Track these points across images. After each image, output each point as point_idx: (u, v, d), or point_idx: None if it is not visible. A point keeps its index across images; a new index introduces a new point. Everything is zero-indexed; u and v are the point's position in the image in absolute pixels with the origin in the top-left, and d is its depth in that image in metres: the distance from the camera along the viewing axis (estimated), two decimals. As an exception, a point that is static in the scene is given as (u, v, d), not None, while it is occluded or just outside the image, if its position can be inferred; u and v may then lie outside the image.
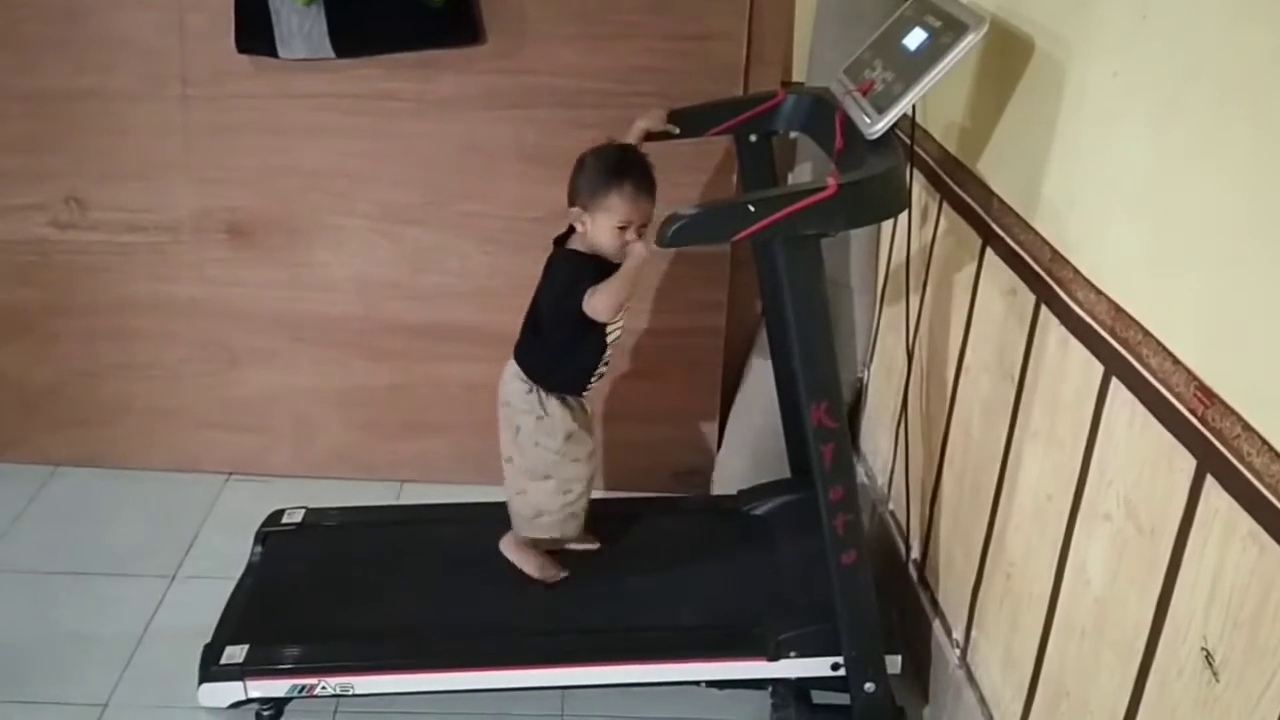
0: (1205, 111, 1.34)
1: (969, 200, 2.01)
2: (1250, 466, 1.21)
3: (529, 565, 2.23)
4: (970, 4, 1.79)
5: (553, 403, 2.11)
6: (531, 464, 2.15)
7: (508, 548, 2.26)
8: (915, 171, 2.18)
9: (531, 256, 2.62)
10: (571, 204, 2.02)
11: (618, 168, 1.97)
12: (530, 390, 2.10)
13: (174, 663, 2.17)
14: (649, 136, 2.09)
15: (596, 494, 2.27)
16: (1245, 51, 1.26)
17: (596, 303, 1.96)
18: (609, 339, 2.08)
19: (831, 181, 1.65)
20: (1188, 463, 1.33)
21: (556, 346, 2.09)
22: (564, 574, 2.24)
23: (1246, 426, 1.22)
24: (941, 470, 2.17)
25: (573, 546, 2.27)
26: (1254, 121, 1.24)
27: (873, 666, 2.02)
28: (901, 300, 2.32)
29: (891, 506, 2.49)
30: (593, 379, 2.12)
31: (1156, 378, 1.40)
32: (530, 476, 2.16)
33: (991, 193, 1.91)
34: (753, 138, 2.15)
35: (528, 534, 2.23)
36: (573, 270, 2.00)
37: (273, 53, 2.45)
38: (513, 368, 2.13)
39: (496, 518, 2.49)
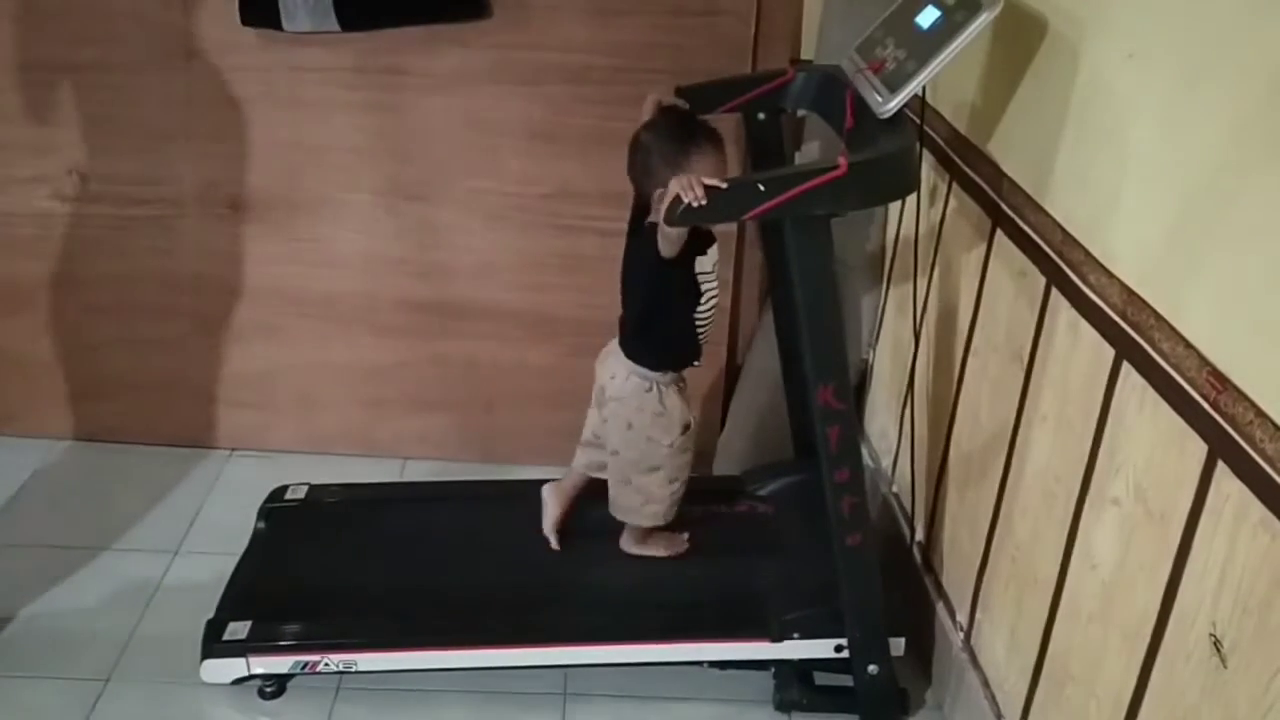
0: (1223, 93, 1.32)
1: (979, 181, 2.00)
2: (1262, 453, 1.21)
3: (657, 550, 2.25)
4: (984, -18, 1.77)
5: (672, 396, 2.08)
6: (640, 457, 2.12)
7: (630, 547, 2.26)
8: (925, 151, 2.17)
9: (538, 233, 2.64)
10: (645, 188, 1.92)
11: (691, 131, 1.91)
12: (650, 388, 2.06)
13: (176, 638, 2.17)
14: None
15: (599, 474, 2.25)
16: (1264, 31, 1.25)
17: (659, 231, 1.87)
18: (702, 283, 2.00)
19: (842, 161, 1.63)
20: (1199, 448, 1.33)
21: (660, 314, 2.03)
22: (686, 536, 2.26)
23: (1259, 413, 1.21)
24: (947, 452, 2.17)
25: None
26: (1273, 102, 1.22)
27: (876, 648, 2.02)
28: (909, 281, 2.31)
29: (896, 488, 2.49)
30: (704, 325, 2.05)
31: (1168, 362, 1.39)
32: (638, 469, 2.14)
33: (1002, 173, 1.90)
34: (761, 116, 2.13)
35: (637, 522, 2.21)
36: (650, 232, 1.92)
37: (277, 26, 2.43)
38: (623, 364, 2.07)
39: (500, 494, 2.51)
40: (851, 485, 1.87)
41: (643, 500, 2.18)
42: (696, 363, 2.11)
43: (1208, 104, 1.35)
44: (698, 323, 2.05)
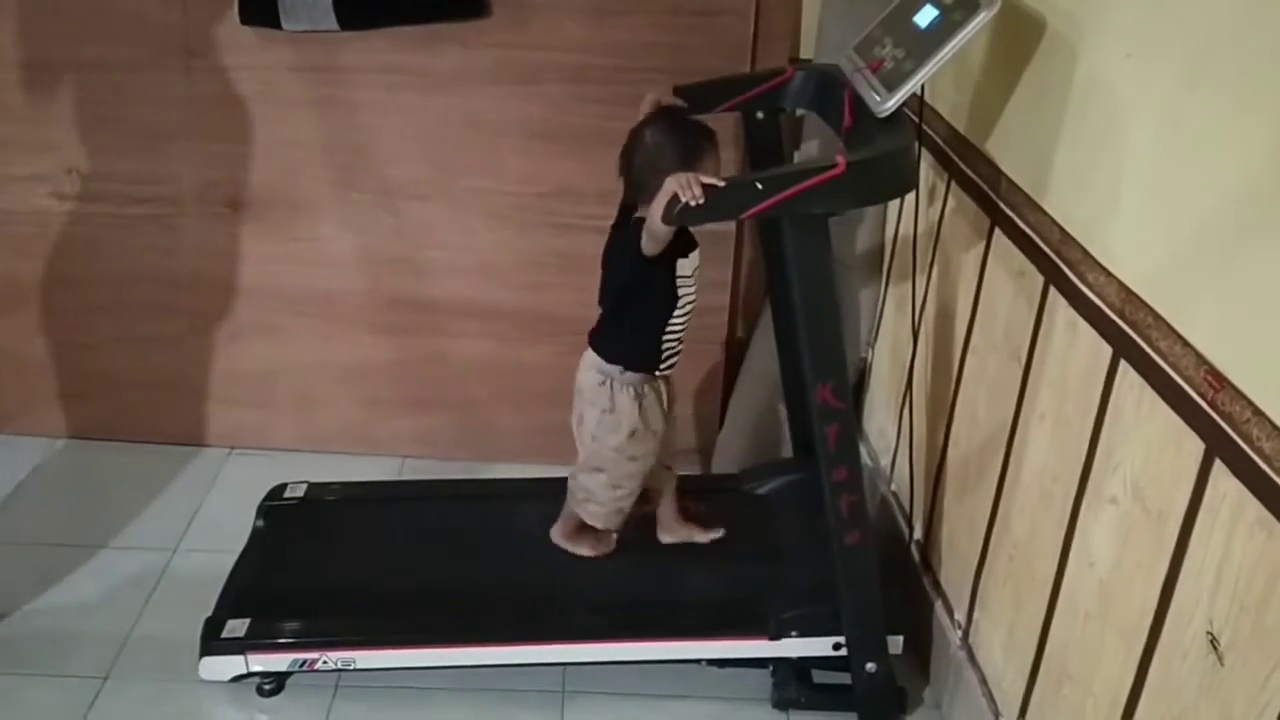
0: (1221, 92, 1.33)
1: (977, 180, 2.00)
2: (1260, 451, 1.21)
3: (583, 549, 2.25)
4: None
5: (624, 397, 2.05)
6: (587, 455, 2.12)
7: (558, 537, 2.26)
8: (923, 150, 2.17)
9: (535, 232, 2.64)
10: (648, 184, 1.83)
11: (702, 130, 1.90)
12: (603, 382, 2.05)
13: (175, 636, 2.17)
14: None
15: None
16: (1263, 31, 1.25)
17: (646, 228, 1.84)
18: (680, 287, 1.98)
19: (840, 160, 1.63)
20: (1196, 446, 1.33)
21: (630, 309, 2.01)
22: (615, 537, 2.26)
23: (1256, 411, 1.22)
24: (946, 451, 2.17)
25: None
26: (1271, 102, 1.22)
27: (874, 646, 2.03)
28: (907, 280, 2.31)
29: (894, 487, 2.49)
30: (668, 340, 2.03)
31: (1166, 361, 1.39)
32: (585, 466, 2.14)
33: (1000, 173, 1.90)
34: (760, 115, 2.13)
35: (577, 513, 2.21)
36: (636, 227, 1.90)
37: (276, 25, 2.43)
38: (590, 357, 2.07)
39: (498, 493, 2.51)
40: (850, 484, 1.87)
41: (584, 497, 2.17)
42: (659, 371, 2.07)
43: (1207, 104, 1.35)
44: (668, 328, 2.02)
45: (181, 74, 2.53)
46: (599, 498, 2.16)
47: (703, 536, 2.28)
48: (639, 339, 2.04)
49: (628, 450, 2.09)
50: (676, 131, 1.90)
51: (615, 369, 2.05)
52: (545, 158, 2.57)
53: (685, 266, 1.98)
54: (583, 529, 2.24)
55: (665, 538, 2.29)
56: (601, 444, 2.09)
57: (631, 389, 2.06)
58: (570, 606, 2.17)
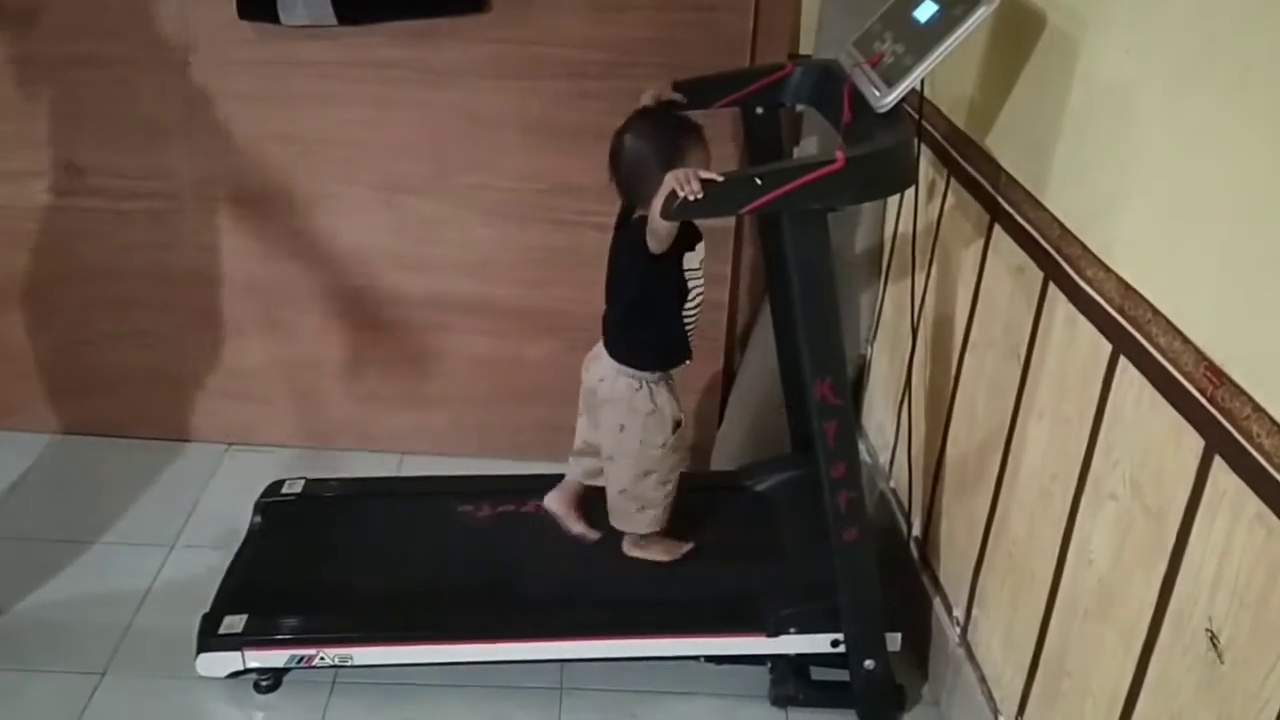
0: (1220, 88, 1.32)
1: (977, 176, 1.99)
2: (1259, 447, 1.20)
3: (655, 554, 2.23)
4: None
5: (662, 394, 2.06)
6: (634, 461, 2.10)
7: (630, 550, 2.23)
8: (923, 146, 2.16)
9: (534, 228, 2.63)
10: (639, 191, 1.89)
11: (681, 127, 1.90)
12: (640, 388, 2.05)
13: (172, 632, 2.16)
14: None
15: (595, 482, 2.24)
16: (1262, 27, 1.24)
17: (648, 227, 1.85)
18: (689, 279, 1.99)
19: (839, 155, 1.63)
20: (1196, 443, 1.32)
21: (644, 309, 2.01)
22: (689, 545, 2.24)
23: (1256, 407, 1.21)
24: (944, 448, 2.16)
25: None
26: (1271, 97, 1.22)
27: (872, 644, 2.02)
28: (906, 276, 2.31)
29: (893, 484, 2.48)
30: (689, 323, 2.03)
31: (1165, 357, 1.38)
32: (632, 475, 2.12)
33: (1000, 169, 1.90)
34: (759, 110, 2.13)
35: (635, 529, 2.19)
36: (639, 225, 1.90)
37: (274, 19, 2.42)
38: (611, 366, 2.06)
39: (496, 489, 2.50)
40: (848, 480, 1.87)
41: (638, 506, 2.16)
42: (687, 361, 2.09)
43: (1207, 99, 1.35)
44: (684, 321, 2.03)
45: (179, 68, 2.52)
46: (652, 499, 2.15)
47: (577, 527, 2.25)
48: (661, 338, 2.04)
49: (672, 442, 2.10)
50: (655, 135, 1.90)
51: (647, 374, 2.05)
52: (544, 153, 2.57)
53: (692, 259, 1.98)
54: (650, 536, 2.21)
55: (549, 504, 2.28)
56: (649, 445, 2.09)
57: (665, 385, 2.08)
58: (568, 603, 2.17)
